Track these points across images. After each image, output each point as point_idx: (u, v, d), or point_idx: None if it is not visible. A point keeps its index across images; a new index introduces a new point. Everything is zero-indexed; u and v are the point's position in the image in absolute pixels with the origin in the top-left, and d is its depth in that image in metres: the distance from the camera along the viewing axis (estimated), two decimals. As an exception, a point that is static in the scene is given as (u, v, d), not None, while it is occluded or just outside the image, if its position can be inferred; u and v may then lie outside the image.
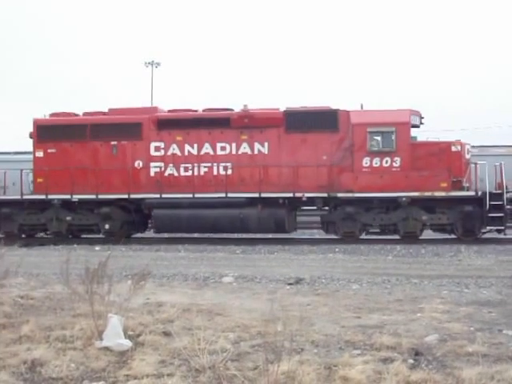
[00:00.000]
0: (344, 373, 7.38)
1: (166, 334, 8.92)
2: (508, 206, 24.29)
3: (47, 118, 27.96)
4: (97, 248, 22.93)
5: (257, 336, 8.77)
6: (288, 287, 13.63)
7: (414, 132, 25.71)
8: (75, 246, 23.65)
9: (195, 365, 7.72)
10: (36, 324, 9.42)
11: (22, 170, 27.01)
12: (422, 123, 25.84)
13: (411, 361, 7.87)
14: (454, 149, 24.65)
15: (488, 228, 24.33)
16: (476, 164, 24.82)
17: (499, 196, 23.97)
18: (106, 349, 8.52)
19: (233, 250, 22.21)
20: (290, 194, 24.88)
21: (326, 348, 8.37)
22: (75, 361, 8.26)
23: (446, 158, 24.46)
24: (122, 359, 8.33)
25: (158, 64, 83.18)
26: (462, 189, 24.32)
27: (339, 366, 7.59)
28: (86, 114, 27.68)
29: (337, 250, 21.88)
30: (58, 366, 8.12)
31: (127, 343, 8.58)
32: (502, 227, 24.15)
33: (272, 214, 25.00)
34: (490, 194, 23.87)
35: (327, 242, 24.27)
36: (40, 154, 26.94)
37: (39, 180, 26.72)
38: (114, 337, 8.58)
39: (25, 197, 26.65)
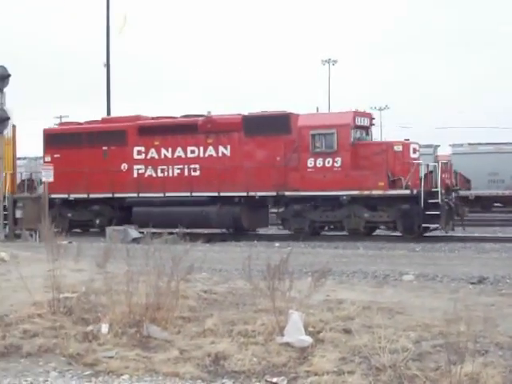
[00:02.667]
0: (531, 377, 7.10)
1: (346, 331, 8.89)
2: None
3: (55, 127, 32.75)
4: (276, 244, 23.30)
5: (438, 336, 8.56)
6: (470, 286, 13.22)
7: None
8: (255, 242, 24.13)
9: (376, 363, 7.66)
10: (219, 318, 9.65)
11: (31, 173, 32.10)
12: (372, 124, 27.74)
13: None
14: (395, 149, 25.81)
15: (425, 225, 25.19)
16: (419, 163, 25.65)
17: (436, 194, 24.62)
18: (287, 344, 8.61)
19: (412, 248, 21.93)
20: (244, 193, 27.03)
21: (511, 351, 8.07)
22: (257, 355, 8.40)
23: (387, 158, 25.55)
24: (303, 355, 8.38)
25: (335, 61, 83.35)
26: (402, 187, 25.11)
27: (526, 370, 7.31)
28: (86, 122, 31.43)
29: (522, 248, 21.11)
30: (241, 360, 8.28)
31: (308, 339, 8.63)
32: (438, 225, 25.00)
33: (229, 211, 27.38)
34: (428, 192, 24.61)
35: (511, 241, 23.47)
36: (48, 158, 30.81)
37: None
38: (295, 333, 8.65)
39: (33, 196, 30.78)
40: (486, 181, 45.74)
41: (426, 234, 25.95)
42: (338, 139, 25.82)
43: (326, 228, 27.39)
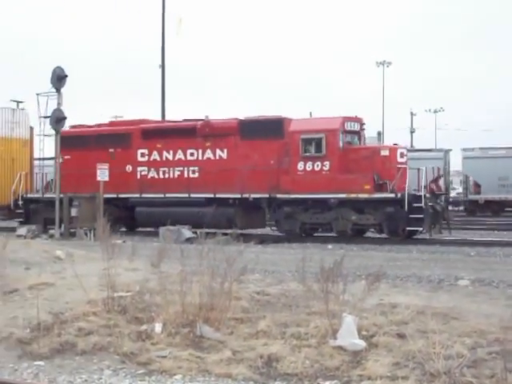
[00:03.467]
0: None
1: (400, 335, 8.79)
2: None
3: (67, 129, 32.80)
4: (329, 247, 23.22)
5: (494, 342, 8.42)
6: (527, 293, 13.00)
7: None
8: (308, 244, 24.11)
9: (430, 369, 7.57)
10: (272, 320, 9.63)
11: (43, 174, 33.70)
12: (363, 128, 27.88)
13: None
14: (382, 153, 26.38)
15: (409, 228, 25.50)
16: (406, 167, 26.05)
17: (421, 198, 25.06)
18: (340, 348, 8.57)
19: (467, 252, 21.62)
20: (238, 195, 27.77)
21: None
22: (310, 358, 8.38)
23: (374, 162, 26.01)
24: (356, 359, 8.34)
25: (390, 63, 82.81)
26: (387, 191, 25.66)
27: None
28: (95, 125, 33.06)
29: None
30: (294, 363, 8.27)
31: (361, 343, 8.58)
32: (421, 228, 25.43)
33: (224, 212, 28.06)
34: (411, 195, 25.09)
35: None
36: (61, 160, 31.24)
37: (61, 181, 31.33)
38: (349, 336, 8.60)
39: (45, 195, 32.21)
40: (497, 185, 46.11)
41: (416, 237, 26.28)
42: (327, 143, 26.47)
43: (320, 230, 27.77)
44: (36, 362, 8.99)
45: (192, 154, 29.30)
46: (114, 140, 30.87)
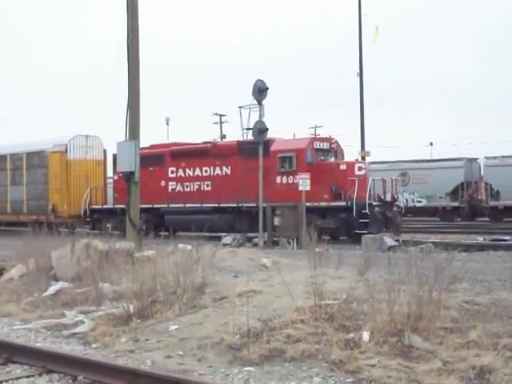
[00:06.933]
0: None
1: None
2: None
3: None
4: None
5: None
6: None
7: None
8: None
9: None
10: (483, 330, 9.33)
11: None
12: (332, 147, 32.85)
13: None
14: (341, 167, 31.56)
15: (357, 231, 29.19)
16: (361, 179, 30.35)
17: (369, 205, 29.62)
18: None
19: None
20: (235, 204, 33.36)
21: None
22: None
23: (334, 175, 31.28)
24: None
25: None
26: (341, 200, 30.42)
27: None
28: (141, 148, 39.58)
29: None
30: (508, 375, 7.97)
31: None
32: (366, 231, 28.52)
33: (226, 219, 33.87)
34: (361, 203, 29.49)
35: None
36: (116, 177, 38.57)
37: (116, 195, 38.61)
38: None
39: (104, 206, 39.32)
40: None
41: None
42: (297, 160, 31.85)
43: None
44: (246, 368, 9.17)
45: (206, 171, 35.41)
46: (153, 160, 36.87)
